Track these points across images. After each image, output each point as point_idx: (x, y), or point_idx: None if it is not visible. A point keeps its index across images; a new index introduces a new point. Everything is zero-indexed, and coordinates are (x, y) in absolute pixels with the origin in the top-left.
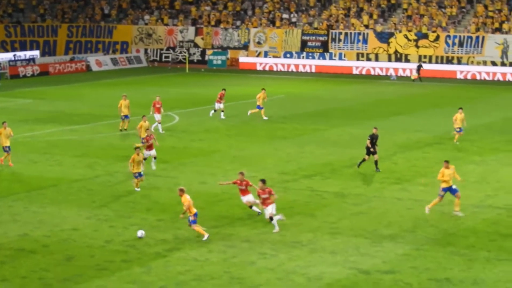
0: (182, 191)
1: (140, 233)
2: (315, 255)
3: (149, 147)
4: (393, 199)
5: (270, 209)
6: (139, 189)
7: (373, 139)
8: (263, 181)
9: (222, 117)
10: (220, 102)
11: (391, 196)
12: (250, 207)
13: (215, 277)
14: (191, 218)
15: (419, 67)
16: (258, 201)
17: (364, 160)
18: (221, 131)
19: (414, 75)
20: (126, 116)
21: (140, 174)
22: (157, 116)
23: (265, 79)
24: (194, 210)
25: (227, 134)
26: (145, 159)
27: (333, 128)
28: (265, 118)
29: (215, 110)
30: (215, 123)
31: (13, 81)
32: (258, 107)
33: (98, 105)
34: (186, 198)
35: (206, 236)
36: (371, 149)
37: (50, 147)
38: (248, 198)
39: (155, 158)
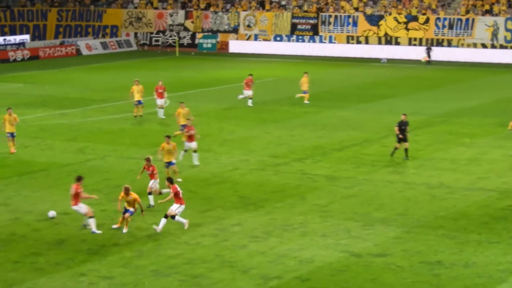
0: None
1: (52, 213)
2: (306, 238)
3: (190, 138)
4: (384, 182)
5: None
6: (180, 180)
7: (402, 125)
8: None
9: (250, 104)
10: (249, 89)
11: (382, 179)
12: (149, 193)
13: (207, 261)
14: (132, 210)
15: (429, 49)
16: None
17: (396, 148)
18: (212, 115)
19: (425, 57)
20: (139, 102)
21: (171, 163)
22: (160, 101)
23: (255, 63)
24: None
25: (218, 118)
26: (185, 151)
27: (323, 111)
28: (306, 102)
29: (244, 97)
30: (206, 106)
31: (3, 65)
32: (305, 92)
33: (88, 89)
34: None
35: (125, 229)
36: (400, 136)
37: (40, 131)
38: (154, 184)
39: (195, 151)
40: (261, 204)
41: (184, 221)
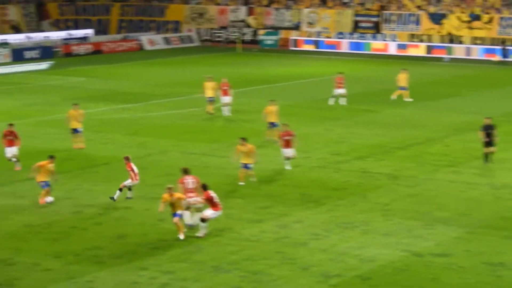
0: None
1: (49, 199)
2: (368, 236)
3: (287, 144)
4: (446, 182)
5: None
6: (255, 179)
7: (487, 129)
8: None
9: (343, 103)
10: (341, 87)
11: (444, 178)
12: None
13: (267, 257)
14: (179, 212)
15: (504, 49)
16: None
17: (485, 154)
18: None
19: (499, 56)
20: (212, 98)
21: (247, 166)
22: (225, 99)
23: (317, 60)
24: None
25: (280, 114)
26: (287, 158)
27: (385, 109)
28: (408, 100)
29: (334, 97)
30: (266, 103)
31: (67, 59)
32: (402, 88)
33: (150, 84)
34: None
35: (182, 234)
36: (487, 140)
37: (102, 125)
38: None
39: (288, 158)
40: (322, 201)
41: (203, 231)
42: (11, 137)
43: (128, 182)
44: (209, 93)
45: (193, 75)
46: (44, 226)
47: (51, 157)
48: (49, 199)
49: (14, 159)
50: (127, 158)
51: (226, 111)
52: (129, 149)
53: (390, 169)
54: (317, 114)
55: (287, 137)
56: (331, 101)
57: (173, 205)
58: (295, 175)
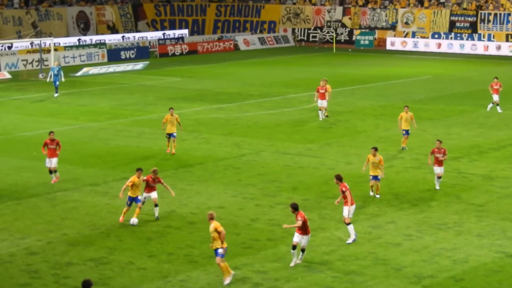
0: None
1: (133, 220)
2: (461, 237)
3: (439, 163)
4: None
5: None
6: (378, 196)
7: None
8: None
9: (499, 110)
10: (496, 93)
11: None
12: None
13: (360, 258)
14: (220, 251)
15: None
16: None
17: None
18: (368, 111)
19: None
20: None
21: (376, 178)
22: (323, 103)
23: (413, 60)
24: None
25: (374, 114)
26: (439, 177)
27: (480, 109)
28: (499, 110)
29: (493, 103)
30: (362, 102)
31: (162, 59)
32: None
33: (245, 84)
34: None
35: (228, 278)
36: None
37: (197, 125)
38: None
39: (439, 177)
40: (416, 202)
41: (294, 260)
42: (53, 146)
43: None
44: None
45: (288, 75)
46: (139, 225)
47: (139, 170)
48: (134, 220)
49: (53, 173)
50: (155, 172)
51: (321, 115)
52: (223, 148)
53: (484, 170)
54: (412, 114)
55: (439, 155)
56: (489, 108)
57: (374, 167)
58: (388, 175)
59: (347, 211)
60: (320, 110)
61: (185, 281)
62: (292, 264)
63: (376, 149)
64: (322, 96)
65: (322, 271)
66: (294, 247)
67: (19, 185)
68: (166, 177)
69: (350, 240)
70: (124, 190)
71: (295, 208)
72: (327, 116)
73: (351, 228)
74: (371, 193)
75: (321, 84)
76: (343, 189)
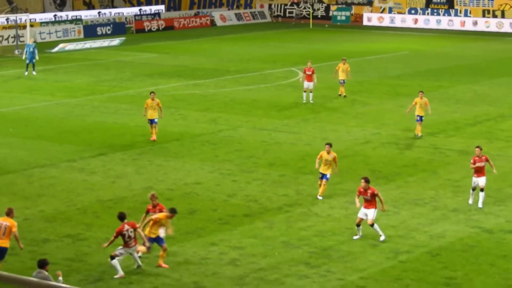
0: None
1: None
2: (438, 212)
3: (479, 172)
4: None
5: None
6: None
7: None
8: (366, 179)
9: None
10: None
11: None
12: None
13: (337, 233)
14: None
15: None
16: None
17: None
18: (345, 87)
19: None
20: (343, 81)
21: (325, 176)
22: (309, 85)
23: (389, 36)
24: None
25: (351, 91)
26: (473, 189)
27: (457, 85)
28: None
29: None
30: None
31: (139, 35)
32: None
33: (222, 60)
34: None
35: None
36: None
37: (174, 101)
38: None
39: (482, 190)
40: (393, 178)
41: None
42: None
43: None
44: (341, 75)
45: (265, 51)
46: (115, 201)
47: (173, 211)
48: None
49: None
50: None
51: (308, 98)
52: (200, 125)
53: (461, 146)
54: (389, 90)
55: (480, 163)
56: None
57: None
58: (365, 151)
59: (375, 213)
60: (305, 92)
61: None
62: (355, 237)
63: (330, 145)
64: (309, 78)
65: (299, 247)
66: (358, 224)
67: None
68: (143, 153)
69: (383, 237)
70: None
71: (367, 181)
72: (345, 96)
73: (377, 227)
74: (320, 197)
75: (308, 65)
76: (375, 192)
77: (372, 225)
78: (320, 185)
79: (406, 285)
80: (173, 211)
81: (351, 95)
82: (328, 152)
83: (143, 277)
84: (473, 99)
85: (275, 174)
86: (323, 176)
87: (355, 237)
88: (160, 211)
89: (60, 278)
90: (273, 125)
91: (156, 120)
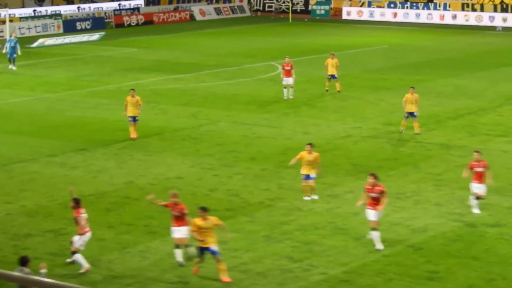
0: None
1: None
2: (419, 206)
3: (478, 177)
4: (499, 152)
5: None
6: (316, 197)
7: None
8: (374, 175)
9: None
10: None
11: (497, 148)
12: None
13: (319, 227)
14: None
15: None
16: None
17: None
18: (325, 81)
19: None
20: (333, 76)
21: (309, 177)
22: (288, 80)
23: (369, 29)
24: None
25: (331, 85)
26: (477, 197)
27: (437, 79)
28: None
29: None
30: (319, 72)
31: (118, 30)
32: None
33: (201, 54)
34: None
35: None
36: None
37: (154, 96)
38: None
39: (478, 198)
40: (374, 171)
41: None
42: None
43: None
44: (331, 70)
45: (245, 46)
46: (97, 196)
47: (203, 210)
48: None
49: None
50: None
51: (289, 94)
52: (180, 119)
53: (442, 139)
54: (369, 84)
55: (479, 169)
56: None
57: (307, 166)
58: (346, 145)
59: (378, 214)
60: (285, 88)
61: (145, 251)
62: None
63: (311, 145)
64: (288, 74)
65: (282, 241)
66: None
67: None
68: (124, 148)
69: (381, 247)
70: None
71: (375, 177)
72: (339, 91)
73: (377, 235)
74: (306, 198)
75: (286, 61)
76: (383, 190)
77: (375, 229)
78: (305, 187)
79: (389, 279)
80: (203, 210)
81: (332, 89)
82: (309, 152)
83: (126, 271)
84: (453, 93)
85: (256, 168)
86: (307, 177)
87: (378, 247)
88: (181, 211)
89: (44, 270)
90: (254, 120)
91: (137, 118)
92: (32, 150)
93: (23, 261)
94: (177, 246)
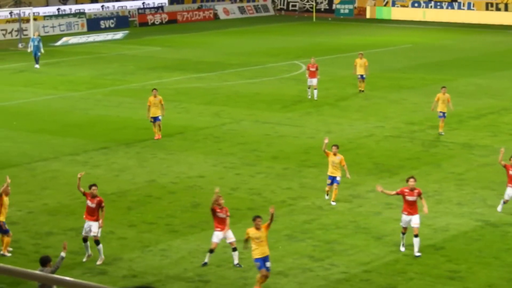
0: None
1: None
2: (441, 206)
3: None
4: None
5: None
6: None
7: None
8: (414, 178)
9: None
10: None
11: None
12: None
13: (341, 227)
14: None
15: None
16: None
17: None
18: (348, 80)
19: None
20: (361, 76)
21: (335, 180)
22: (312, 81)
23: (392, 29)
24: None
25: (354, 84)
26: (505, 202)
27: (460, 78)
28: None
29: None
30: (342, 72)
31: (142, 29)
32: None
33: (225, 53)
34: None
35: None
36: None
37: (177, 95)
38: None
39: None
40: (396, 171)
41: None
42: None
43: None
44: (359, 70)
45: (268, 45)
46: (119, 195)
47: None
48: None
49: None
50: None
51: (313, 95)
52: (203, 118)
53: (464, 139)
54: (392, 83)
55: None
56: None
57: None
58: (368, 145)
59: (418, 219)
60: (309, 88)
61: (166, 250)
62: (402, 249)
63: (337, 146)
64: (312, 74)
65: (303, 240)
66: (403, 233)
67: None
68: (146, 147)
69: (418, 253)
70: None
71: (415, 180)
72: (363, 91)
73: (418, 241)
74: (326, 197)
75: (312, 62)
76: (420, 191)
77: (416, 235)
78: (329, 190)
79: (410, 279)
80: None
81: (354, 89)
82: (335, 154)
83: (147, 270)
84: (475, 92)
85: (278, 167)
86: (333, 180)
87: (402, 249)
88: (226, 213)
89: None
90: (276, 119)
91: (159, 117)
92: (54, 149)
93: (44, 261)
94: (212, 251)
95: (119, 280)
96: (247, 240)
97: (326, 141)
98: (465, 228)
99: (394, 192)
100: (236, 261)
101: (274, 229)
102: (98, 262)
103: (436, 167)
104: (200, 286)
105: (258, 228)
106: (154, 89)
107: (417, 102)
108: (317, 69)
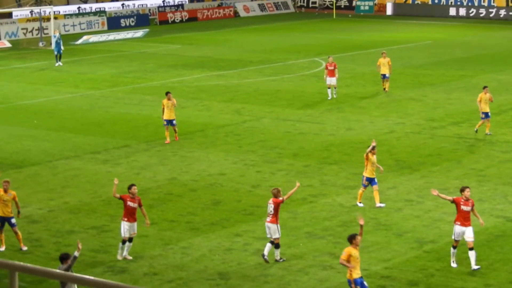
0: None
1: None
2: None
3: None
4: None
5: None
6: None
7: None
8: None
9: None
10: None
11: None
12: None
13: None
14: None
15: None
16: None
17: None
18: (368, 77)
19: None
20: (384, 76)
21: (373, 182)
22: (331, 80)
23: (413, 25)
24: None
25: (374, 80)
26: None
27: (481, 74)
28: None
29: None
30: (362, 68)
31: (162, 26)
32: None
33: (245, 50)
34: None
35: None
36: None
37: (198, 92)
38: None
39: None
40: (417, 167)
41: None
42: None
43: None
44: (383, 69)
45: (288, 42)
46: (140, 192)
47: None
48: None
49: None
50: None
51: (333, 94)
52: (224, 115)
53: (485, 135)
54: (413, 80)
55: None
56: None
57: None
58: (389, 141)
59: (472, 232)
60: (328, 88)
61: (187, 248)
62: (453, 265)
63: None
64: (331, 74)
65: (324, 237)
66: (454, 247)
67: (19, 154)
68: (167, 145)
69: (476, 266)
70: None
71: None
72: (386, 90)
73: (474, 254)
74: (360, 204)
75: (329, 61)
76: (473, 202)
77: (472, 248)
78: (361, 194)
79: (431, 275)
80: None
81: (375, 85)
82: (373, 154)
83: (168, 268)
84: (497, 88)
85: (299, 164)
86: (371, 181)
87: (453, 265)
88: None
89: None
90: (297, 116)
91: (174, 121)
92: (75, 147)
93: (61, 259)
94: (274, 244)
95: (140, 278)
96: (349, 261)
97: (374, 143)
98: (486, 224)
99: (451, 198)
100: (277, 257)
101: (295, 226)
102: (121, 258)
103: (457, 164)
104: (221, 284)
105: (357, 246)
106: (168, 92)
107: (437, 99)
108: (335, 67)
